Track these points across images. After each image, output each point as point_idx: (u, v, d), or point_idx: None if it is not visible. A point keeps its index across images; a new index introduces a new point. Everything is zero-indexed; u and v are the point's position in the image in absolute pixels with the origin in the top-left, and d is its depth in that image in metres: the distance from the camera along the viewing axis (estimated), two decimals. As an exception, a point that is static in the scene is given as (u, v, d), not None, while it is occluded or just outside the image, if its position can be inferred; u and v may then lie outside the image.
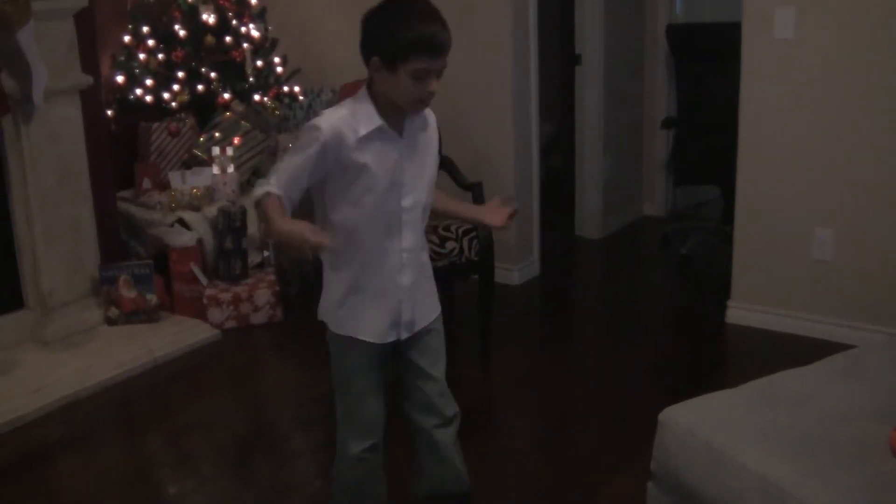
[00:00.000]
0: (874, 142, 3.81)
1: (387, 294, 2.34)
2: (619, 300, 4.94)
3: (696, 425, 2.26)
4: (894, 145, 3.76)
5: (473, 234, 4.02)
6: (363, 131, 2.20)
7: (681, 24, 5.67)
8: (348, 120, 2.21)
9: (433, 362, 2.46)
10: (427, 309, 2.44)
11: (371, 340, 2.35)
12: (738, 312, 4.30)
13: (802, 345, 4.00)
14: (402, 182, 2.28)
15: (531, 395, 3.82)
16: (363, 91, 2.25)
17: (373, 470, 2.47)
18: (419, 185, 2.32)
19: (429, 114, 2.36)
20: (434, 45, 2.12)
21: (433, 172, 2.38)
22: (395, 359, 2.45)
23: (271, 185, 2.17)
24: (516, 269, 4.93)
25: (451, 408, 2.49)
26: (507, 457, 3.28)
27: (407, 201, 2.30)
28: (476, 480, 2.82)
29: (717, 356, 4.17)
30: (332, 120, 2.21)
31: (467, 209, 2.68)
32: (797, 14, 3.85)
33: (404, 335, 2.38)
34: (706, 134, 5.27)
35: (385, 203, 2.27)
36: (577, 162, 5.80)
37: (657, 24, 5.85)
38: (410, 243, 2.33)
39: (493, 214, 2.52)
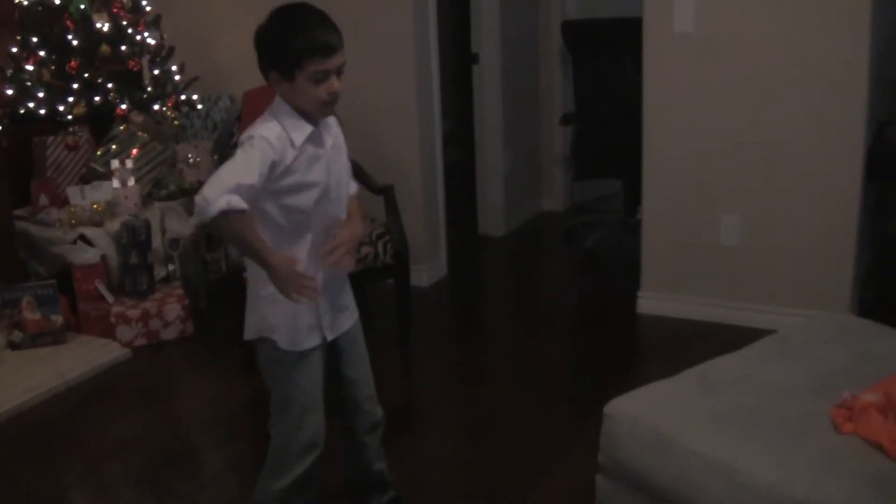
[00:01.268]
0: (775, 130, 3.94)
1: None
2: (530, 297, 4.99)
3: (643, 415, 2.30)
4: (795, 132, 3.90)
5: (387, 237, 4.01)
6: (298, 140, 2.25)
7: (575, 20, 5.76)
8: (284, 132, 2.25)
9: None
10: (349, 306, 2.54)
11: (306, 348, 2.40)
12: (649, 302, 4.40)
13: (715, 330, 4.11)
14: (330, 185, 2.34)
15: (454, 395, 3.82)
16: (281, 104, 2.27)
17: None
18: (342, 185, 2.40)
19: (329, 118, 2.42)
20: (324, 46, 2.19)
21: (347, 172, 2.46)
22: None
23: (233, 198, 2.11)
24: (425, 270, 4.92)
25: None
26: (437, 456, 3.27)
27: (336, 203, 2.38)
28: (409, 481, 2.83)
29: (632, 346, 4.24)
30: (274, 132, 2.23)
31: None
32: (696, 8, 3.95)
33: (330, 336, 2.44)
34: (606, 128, 5.36)
35: (320, 208, 2.33)
36: (477, 159, 5.84)
37: (551, 21, 5.93)
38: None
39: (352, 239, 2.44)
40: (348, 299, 2.52)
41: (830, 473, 1.97)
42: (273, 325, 2.36)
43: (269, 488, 2.45)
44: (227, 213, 2.10)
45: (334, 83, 2.22)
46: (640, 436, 2.26)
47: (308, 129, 2.26)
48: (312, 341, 2.39)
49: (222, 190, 2.11)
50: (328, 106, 2.26)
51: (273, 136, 2.21)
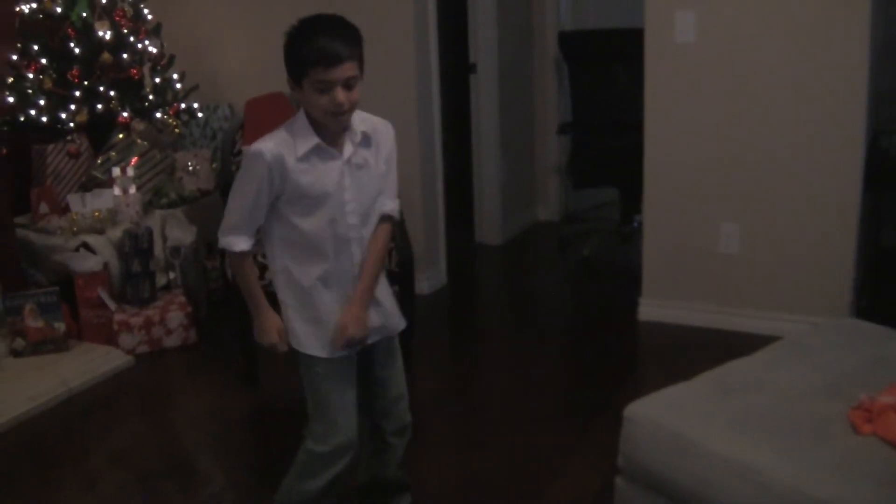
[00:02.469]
0: (774, 139, 3.99)
1: (341, 308, 2.39)
2: (530, 304, 5.02)
3: (663, 418, 2.32)
4: (794, 141, 3.95)
5: (392, 245, 4.02)
6: (301, 150, 2.27)
7: (572, 31, 5.82)
8: (287, 141, 2.28)
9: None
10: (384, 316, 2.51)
11: (333, 356, 2.41)
12: (650, 309, 4.43)
13: (715, 337, 4.15)
14: (345, 200, 2.33)
15: (459, 403, 3.83)
16: (300, 113, 2.32)
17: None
18: (364, 203, 2.37)
19: (377, 130, 2.41)
20: (326, 55, 2.17)
21: (380, 187, 2.42)
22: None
23: (241, 237, 2.33)
24: (425, 278, 4.94)
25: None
26: (440, 464, 3.27)
27: (353, 219, 2.35)
28: (413, 490, 2.83)
29: (636, 352, 4.28)
30: (272, 143, 2.28)
31: (358, 286, 2.42)
32: (697, 18, 4.00)
33: (371, 340, 2.46)
34: (602, 137, 5.41)
35: (331, 221, 2.33)
36: (474, 169, 5.88)
37: (546, 32, 5.98)
38: (358, 258, 2.40)
39: (350, 322, 2.39)
40: (379, 303, 2.49)
41: (852, 474, 2.00)
42: (295, 331, 2.40)
43: (300, 489, 2.47)
44: (233, 256, 2.34)
45: (338, 95, 2.20)
46: (660, 438, 2.28)
47: (313, 140, 2.28)
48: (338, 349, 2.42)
49: (226, 228, 2.34)
50: (335, 117, 2.25)
51: (269, 147, 2.26)
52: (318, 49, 2.17)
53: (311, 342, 2.39)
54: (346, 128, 2.32)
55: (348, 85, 2.22)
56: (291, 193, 2.29)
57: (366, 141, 2.37)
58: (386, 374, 2.56)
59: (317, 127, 2.29)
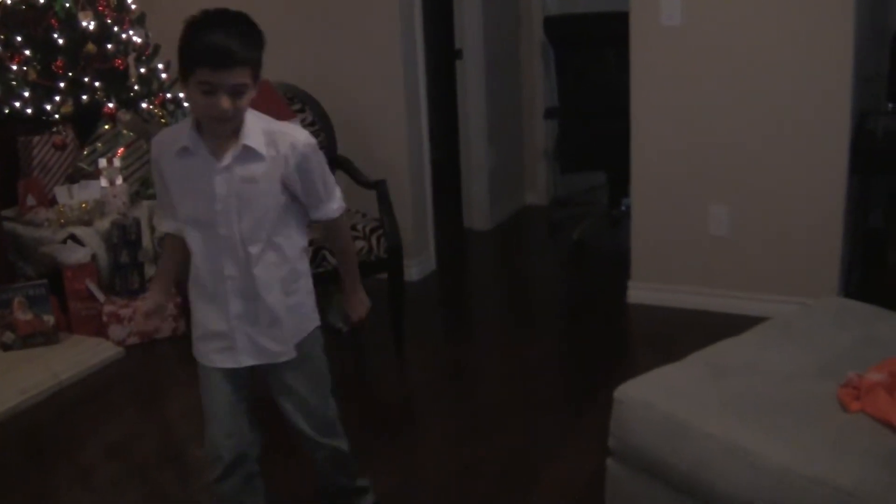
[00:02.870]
0: (762, 121, 4.00)
1: (217, 318, 2.32)
2: (520, 290, 5.02)
3: (654, 399, 2.33)
4: (781, 123, 3.96)
5: (380, 232, 4.02)
6: (174, 148, 2.17)
7: (557, 15, 5.80)
8: (172, 137, 2.20)
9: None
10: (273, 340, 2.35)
11: (207, 364, 2.38)
12: (639, 292, 4.45)
13: (705, 318, 4.17)
14: (216, 210, 2.18)
15: (452, 389, 3.84)
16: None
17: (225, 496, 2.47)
18: (242, 216, 2.20)
19: (278, 142, 2.19)
20: (215, 56, 1.99)
21: (269, 206, 2.23)
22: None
23: (164, 219, 2.37)
24: (414, 264, 4.94)
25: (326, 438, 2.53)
26: (435, 452, 3.29)
27: (224, 230, 2.21)
28: (407, 478, 2.83)
29: (627, 336, 4.30)
30: (159, 137, 2.27)
31: (345, 279, 2.54)
32: (683, 1, 4.00)
33: (245, 362, 2.34)
34: (590, 121, 5.42)
35: (203, 227, 2.23)
36: (462, 154, 5.87)
37: (532, 16, 5.97)
38: (233, 272, 2.25)
39: (354, 307, 2.54)
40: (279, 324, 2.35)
41: (843, 452, 2.02)
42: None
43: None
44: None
45: (221, 101, 2.02)
46: (652, 420, 2.29)
47: (184, 141, 2.15)
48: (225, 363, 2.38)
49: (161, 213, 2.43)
50: (216, 121, 2.09)
51: (159, 139, 2.28)
52: (208, 47, 2.00)
53: (195, 345, 2.40)
54: (233, 134, 2.15)
55: (236, 91, 2.04)
56: (174, 187, 2.24)
57: (252, 155, 2.16)
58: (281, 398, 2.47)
59: (201, 127, 2.16)
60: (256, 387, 2.45)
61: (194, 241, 2.25)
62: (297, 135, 2.24)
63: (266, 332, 2.31)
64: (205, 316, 2.33)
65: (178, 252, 2.40)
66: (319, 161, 2.27)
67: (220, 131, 2.13)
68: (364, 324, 2.51)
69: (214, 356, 2.35)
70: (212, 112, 2.05)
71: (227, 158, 2.15)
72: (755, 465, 2.06)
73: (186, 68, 2.04)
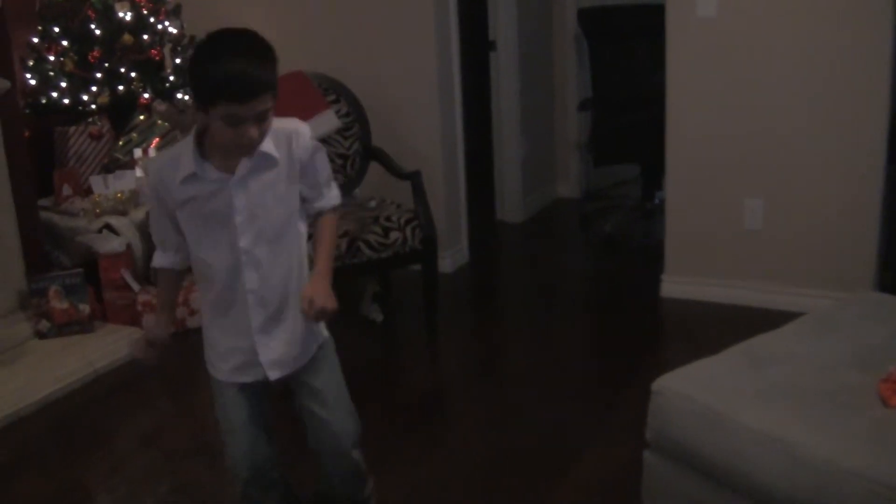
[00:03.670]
0: (797, 113, 3.96)
1: (238, 334, 2.26)
2: (552, 282, 5.01)
3: (692, 391, 2.31)
4: (817, 115, 3.92)
5: (416, 222, 4.03)
6: (181, 175, 2.09)
7: (592, 7, 5.78)
8: (173, 163, 2.12)
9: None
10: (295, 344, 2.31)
11: (225, 380, 2.31)
12: (673, 286, 4.42)
13: (739, 313, 4.14)
14: (235, 223, 2.14)
15: (483, 380, 3.85)
16: (190, 135, 2.11)
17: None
18: (260, 224, 2.16)
19: (280, 140, 2.14)
20: (240, 89, 1.92)
21: (286, 210, 2.21)
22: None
23: (158, 252, 2.28)
24: (448, 256, 4.94)
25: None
26: (468, 442, 3.28)
27: (244, 242, 2.16)
28: (440, 467, 2.81)
29: (659, 329, 4.27)
30: (158, 164, 2.22)
31: (322, 266, 2.31)
32: (719, -8, 3.97)
33: (273, 375, 2.29)
34: (623, 113, 5.39)
35: (221, 245, 2.16)
36: (494, 146, 5.87)
37: (565, 8, 5.95)
38: (254, 284, 2.20)
39: (321, 292, 2.22)
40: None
41: (884, 445, 1.99)
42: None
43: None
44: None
45: (251, 129, 1.97)
46: (691, 412, 2.27)
47: (190, 168, 2.07)
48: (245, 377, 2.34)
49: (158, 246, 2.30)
50: (244, 149, 2.05)
51: (153, 168, 2.25)
52: (231, 79, 1.91)
53: (210, 362, 2.33)
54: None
55: (262, 117, 1.99)
56: (181, 214, 2.15)
57: (265, 160, 2.12)
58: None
59: (210, 148, 2.09)
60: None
61: (213, 259, 2.19)
62: (300, 129, 2.20)
63: (288, 338, 2.28)
64: (223, 333, 2.28)
65: (174, 285, 2.36)
66: (322, 151, 2.26)
67: (242, 155, 2.08)
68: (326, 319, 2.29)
69: (235, 373, 2.29)
70: (241, 142, 2.01)
71: (242, 169, 2.10)
72: (794, 457, 2.04)
73: (207, 100, 1.95)
